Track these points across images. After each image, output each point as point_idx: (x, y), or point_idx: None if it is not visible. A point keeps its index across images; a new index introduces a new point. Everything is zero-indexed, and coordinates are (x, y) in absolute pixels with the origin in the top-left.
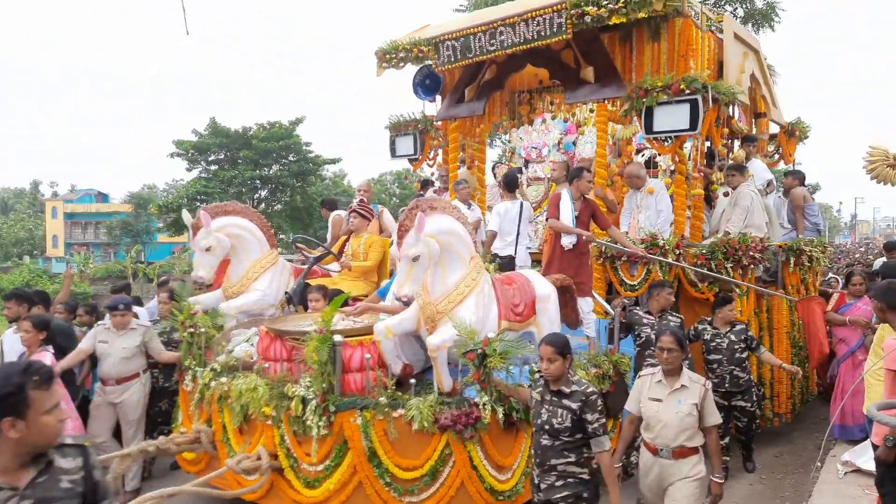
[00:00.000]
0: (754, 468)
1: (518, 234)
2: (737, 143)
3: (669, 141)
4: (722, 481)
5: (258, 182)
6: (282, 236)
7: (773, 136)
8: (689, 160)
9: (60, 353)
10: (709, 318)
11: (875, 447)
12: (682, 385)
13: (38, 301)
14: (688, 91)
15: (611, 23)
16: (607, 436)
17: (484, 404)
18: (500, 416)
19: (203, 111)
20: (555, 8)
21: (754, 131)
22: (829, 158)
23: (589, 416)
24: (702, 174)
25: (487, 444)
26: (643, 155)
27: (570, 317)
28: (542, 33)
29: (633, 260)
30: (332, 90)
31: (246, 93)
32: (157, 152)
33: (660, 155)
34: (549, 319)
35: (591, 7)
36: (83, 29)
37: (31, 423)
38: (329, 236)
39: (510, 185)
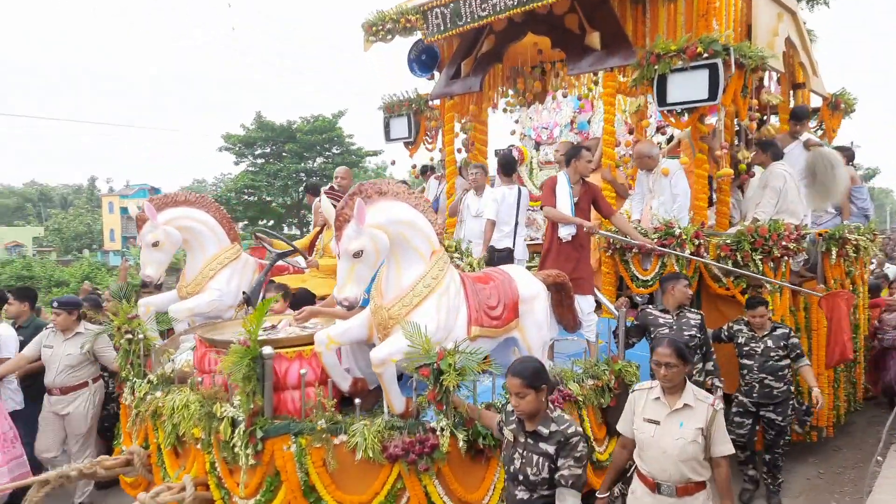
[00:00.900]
0: (779, 501)
1: (517, 224)
2: (774, 118)
3: (686, 115)
4: None
5: (303, 174)
6: None
7: (815, 111)
8: (715, 135)
9: None
10: (745, 318)
11: None
12: (686, 405)
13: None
14: (706, 55)
15: None
16: (577, 492)
17: (442, 429)
18: (462, 443)
19: (203, 111)
20: None
21: (791, 104)
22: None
23: (560, 461)
24: (726, 152)
25: (448, 476)
26: (664, 133)
27: (567, 318)
28: None
29: (644, 252)
30: (332, 90)
31: (246, 93)
32: (206, 147)
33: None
34: (535, 323)
35: None
36: (83, 29)
37: None
38: (312, 225)
39: (506, 167)
